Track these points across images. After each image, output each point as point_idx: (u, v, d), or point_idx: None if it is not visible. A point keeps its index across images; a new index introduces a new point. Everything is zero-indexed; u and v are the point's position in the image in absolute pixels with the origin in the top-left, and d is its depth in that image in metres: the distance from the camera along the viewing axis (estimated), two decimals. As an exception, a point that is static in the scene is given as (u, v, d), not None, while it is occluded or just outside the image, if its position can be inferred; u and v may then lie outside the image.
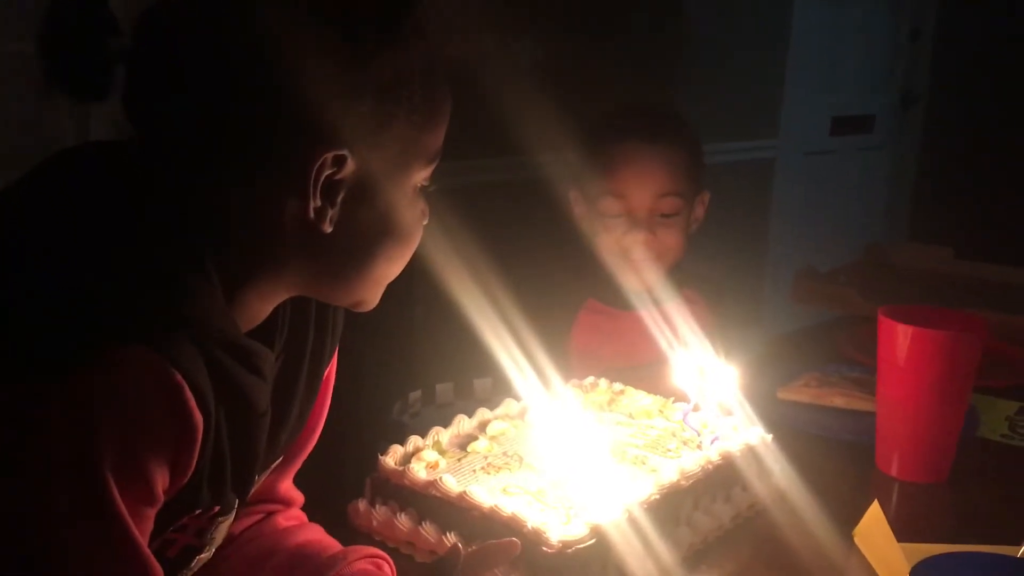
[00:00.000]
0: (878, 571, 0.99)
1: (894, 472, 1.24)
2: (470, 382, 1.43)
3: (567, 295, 1.63)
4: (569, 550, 0.89)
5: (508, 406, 1.19)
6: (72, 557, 0.63)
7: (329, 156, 0.71)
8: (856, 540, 1.05)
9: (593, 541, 0.90)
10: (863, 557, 1.02)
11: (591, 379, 1.29)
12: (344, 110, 0.71)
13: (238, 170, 0.72)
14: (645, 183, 1.52)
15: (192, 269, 0.70)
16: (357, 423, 1.17)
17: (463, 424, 1.13)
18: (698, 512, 1.04)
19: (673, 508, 1.00)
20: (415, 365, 1.80)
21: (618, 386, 1.27)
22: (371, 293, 0.82)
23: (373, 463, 1.03)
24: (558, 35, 2.38)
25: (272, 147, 0.71)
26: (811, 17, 3.43)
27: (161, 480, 0.67)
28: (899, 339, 1.19)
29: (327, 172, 0.72)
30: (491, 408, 1.18)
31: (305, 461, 0.97)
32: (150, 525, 0.69)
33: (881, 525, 1.02)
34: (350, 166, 0.73)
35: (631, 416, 1.19)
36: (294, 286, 0.79)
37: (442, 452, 1.06)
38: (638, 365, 1.46)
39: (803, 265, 2.12)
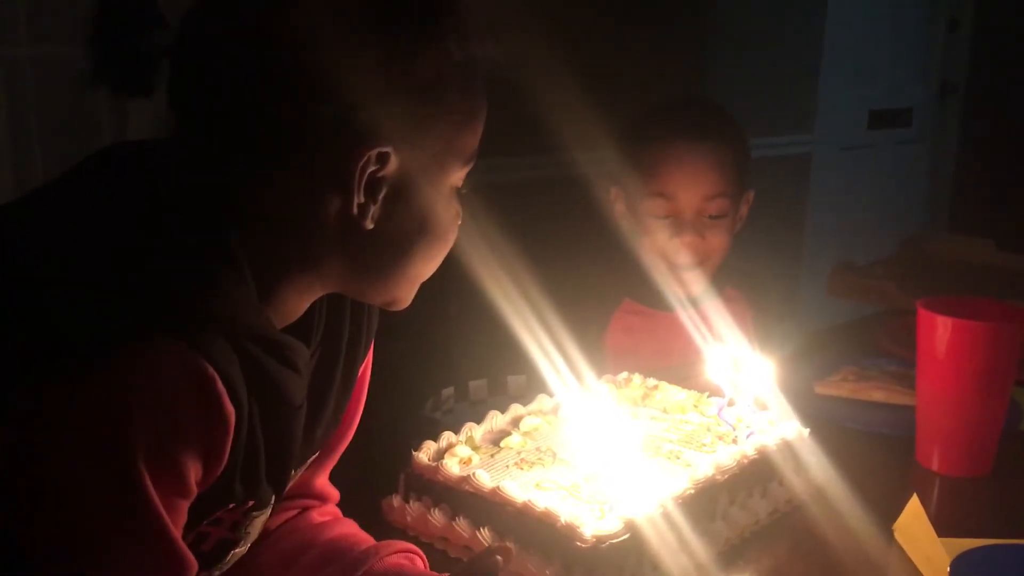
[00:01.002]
0: (919, 566, 0.98)
1: (935, 466, 1.22)
2: (504, 379, 1.43)
3: (603, 294, 1.61)
4: (603, 545, 0.88)
5: (541, 402, 1.18)
6: (106, 547, 0.64)
7: (373, 153, 0.72)
8: (896, 535, 1.03)
9: (627, 536, 0.90)
10: (903, 552, 1.01)
11: (625, 374, 1.29)
12: (388, 107, 0.72)
13: (280, 165, 0.72)
14: (694, 184, 1.47)
15: (225, 264, 0.70)
16: (390, 420, 1.17)
17: (496, 420, 1.13)
18: (734, 507, 1.03)
19: (708, 503, 0.99)
20: (449, 362, 1.80)
21: (652, 381, 1.26)
22: (405, 292, 0.83)
23: (406, 459, 1.03)
24: (590, 29, 2.37)
25: (316, 143, 0.71)
26: (846, 9, 3.38)
27: (194, 472, 0.67)
28: (939, 331, 1.17)
29: (371, 169, 0.72)
30: (524, 404, 1.18)
31: (340, 457, 0.97)
32: (184, 517, 0.69)
33: (921, 519, 1.00)
34: (392, 163, 0.73)
35: (665, 411, 1.18)
36: (330, 283, 0.79)
37: (475, 448, 1.06)
38: (675, 366, 1.44)
39: (841, 260, 2.09)
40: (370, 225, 0.74)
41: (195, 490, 0.69)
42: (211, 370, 0.66)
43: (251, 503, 0.78)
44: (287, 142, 0.71)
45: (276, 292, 0.76)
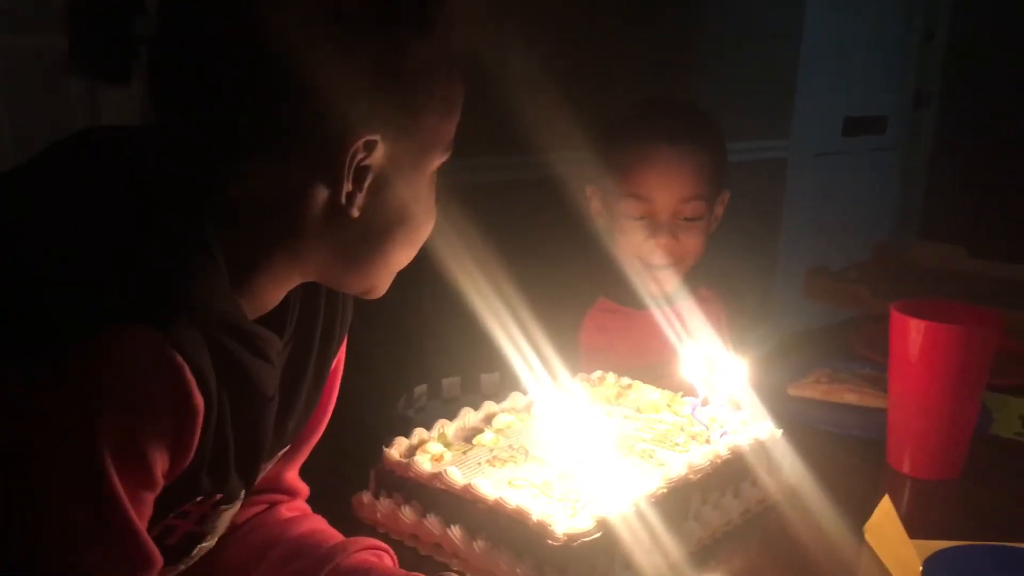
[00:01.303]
0: (889, 567, 0.98)
1: (906, 469, 1.22)
2: (477, 377, 1.42)
3: (577, 293, 1.61)
4: (575, 543, 0.87)
5: (514, 399, 1.18)
6: (69, 539, 0.63)
7: (361, 142, 0.71)
8: (867, 536, 1.03)
9: (599, 534, 0.89)
10: (874, 553, 1.01)
11: (599, 373, 1.28)
12: (377, 96, 0.71)
13: (265, 154, 0.71)
14: (669, 187, 1.47)
15: (198, 253, 0.69)
16: (362, 416, 1.16)
17: (469, 417, 1.12)
18: (707, 507, 1.02)
19: (681, 502, 0.99)
20: (422, 359, 1.79)
21: (626, 380, 1.26)
22: (383, 280, 0.83)
23: (377, 455, 1.02)
24: (569, 32, 2.37)
25: (304, 132, 0.70)
26: (823, 17, 3.41)
27: (160, 463, 0.66)
28: (911, 334, 1.18)
29: (359, 157, 0.72)
30: (498, 402, 1.17)
31: (310, 453, 0.96)
32: (149, 510, 0.68)
33: (892, 520, 1.00)
34: (379, 152, 0.73)
35: (639, 410, 1.18)
36: (309, 271, 0.78)
37: (447, 445, 1.05)
38: (649, 364, 1.44)
39: (814, 264, 2.10)
40: (356, 213, 0.74)
41: (161, 482, 0.67)
42: (180, 359, 0.64)
43: (219, 497, 0.77)
44: (273, 131, 0.70)
45: (252, 281, 0.75)
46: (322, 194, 0.73)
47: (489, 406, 1.15)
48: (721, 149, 1.55)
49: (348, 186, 0.72)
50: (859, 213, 3.80)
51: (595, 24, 2.48)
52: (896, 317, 1.19)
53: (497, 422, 1.11)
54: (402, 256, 0.81)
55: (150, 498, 0.67)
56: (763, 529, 1.06)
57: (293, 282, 0.79)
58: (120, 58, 0.71)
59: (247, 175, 0.71)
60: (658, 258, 1.50)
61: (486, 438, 1.07)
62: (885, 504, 1.02)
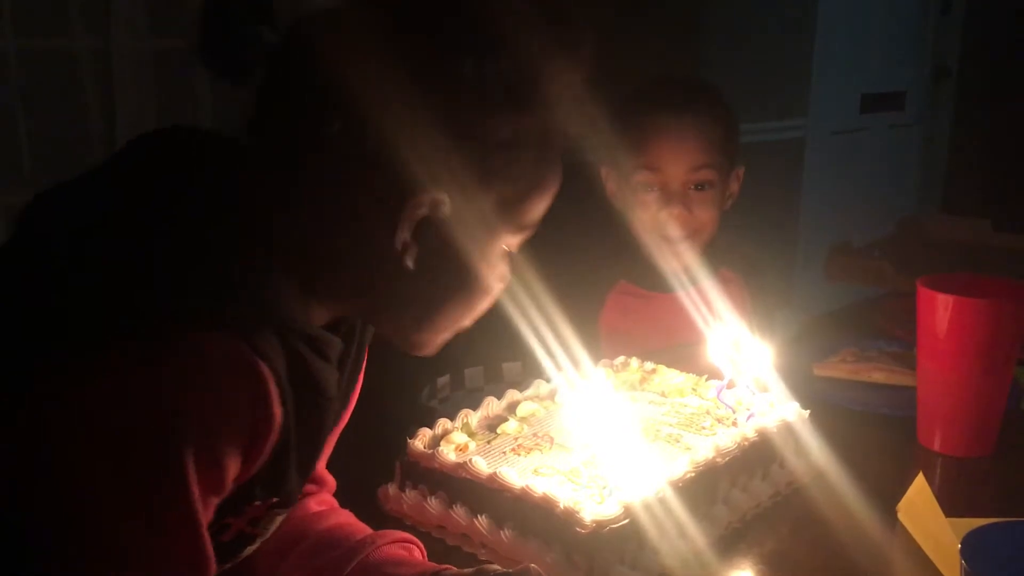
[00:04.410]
0: (923, 546, 0.96)
1: (937, 447, 1.20)
2: (499, 366, 1.41)
3: (597, 277, 1.61)
4: (603, 530, 0.87)
5: (538, 387, 1.17)
6: (136, 536, 0.62)
7: (427, 197, 0.71)
8: (900, 515, 1.02)
9: (627, 520, 0.88)
10: (907, 533, 0.99)
11: (622, 359, 1.27)
12: (453, 157, 0.71)
13: (336, 193, 0.72)
14: (679, 155, 1.48)
15: (275, 268, 0.70)
16: (386, 408, 1.16)
17: (492, 406, 1.11)
18: (735, 490, 1.01)
19: (709, 486, 0.98)
20: (444, 349, 1.79)
21: (649, 365, 1.25)
22: (429, 339, 0.82)
23: (402, 447, 1.02)
24: (583, 14, 2.35)
25: (376, 180, 0.71)
26: (839, -7, 3.37)
27: (233, 469, 0.66)
28: (939, 309, 1.16)
29: (421, 211, 0.72)
30: (520, 391, 1.16)
31: (335, 446, 0.96)
32: (211, 514, 0.68)
33: (927, 499, 0.98)
34: (445, 210, 0.73)
35: (664, 395, 1.17)
36: (356, 310, 0.79)
37: (471, 434, 1.04)
38: (672, 346, 1.43)
39: (836, 242, 2.08)
40: (411, 265, 0.74)
41: (230, 488, 0.68)
42: (266, 369, 0.65)
43: (275, 500, 0.77)
44: (349, 173, 0.71)
45: (311, 303, 0.76)
46: (381, 241, 0.73)
47: (512, 394, 1.14)
48: (730, 122, 1.55)
49: (404, 235, 0.72)
50: (880, 191, 3.76)
51: (609, 5, 2.46)
52: (923, 293, 1.18)
53: (521, 410, 1.10)
54: (452, 321, 0.81)
55: (215, 503, 0.68)
56: (793, 511, 1.04)
57: (342, 312, 0.79)
58: (242, 60, 0.73)
59: (317, 209, 0.72)
60: (672, 229, 1.50)
61: (510, 427, 1.06)
62: (919, 482, 1.01)
